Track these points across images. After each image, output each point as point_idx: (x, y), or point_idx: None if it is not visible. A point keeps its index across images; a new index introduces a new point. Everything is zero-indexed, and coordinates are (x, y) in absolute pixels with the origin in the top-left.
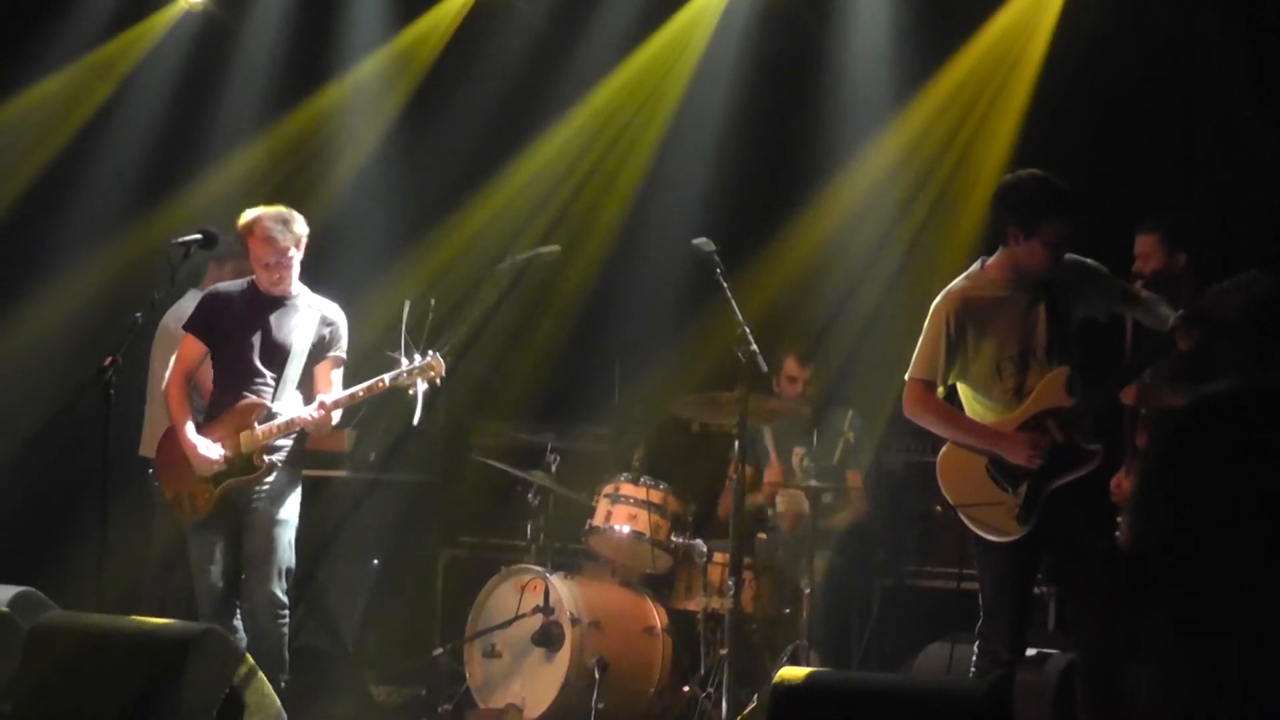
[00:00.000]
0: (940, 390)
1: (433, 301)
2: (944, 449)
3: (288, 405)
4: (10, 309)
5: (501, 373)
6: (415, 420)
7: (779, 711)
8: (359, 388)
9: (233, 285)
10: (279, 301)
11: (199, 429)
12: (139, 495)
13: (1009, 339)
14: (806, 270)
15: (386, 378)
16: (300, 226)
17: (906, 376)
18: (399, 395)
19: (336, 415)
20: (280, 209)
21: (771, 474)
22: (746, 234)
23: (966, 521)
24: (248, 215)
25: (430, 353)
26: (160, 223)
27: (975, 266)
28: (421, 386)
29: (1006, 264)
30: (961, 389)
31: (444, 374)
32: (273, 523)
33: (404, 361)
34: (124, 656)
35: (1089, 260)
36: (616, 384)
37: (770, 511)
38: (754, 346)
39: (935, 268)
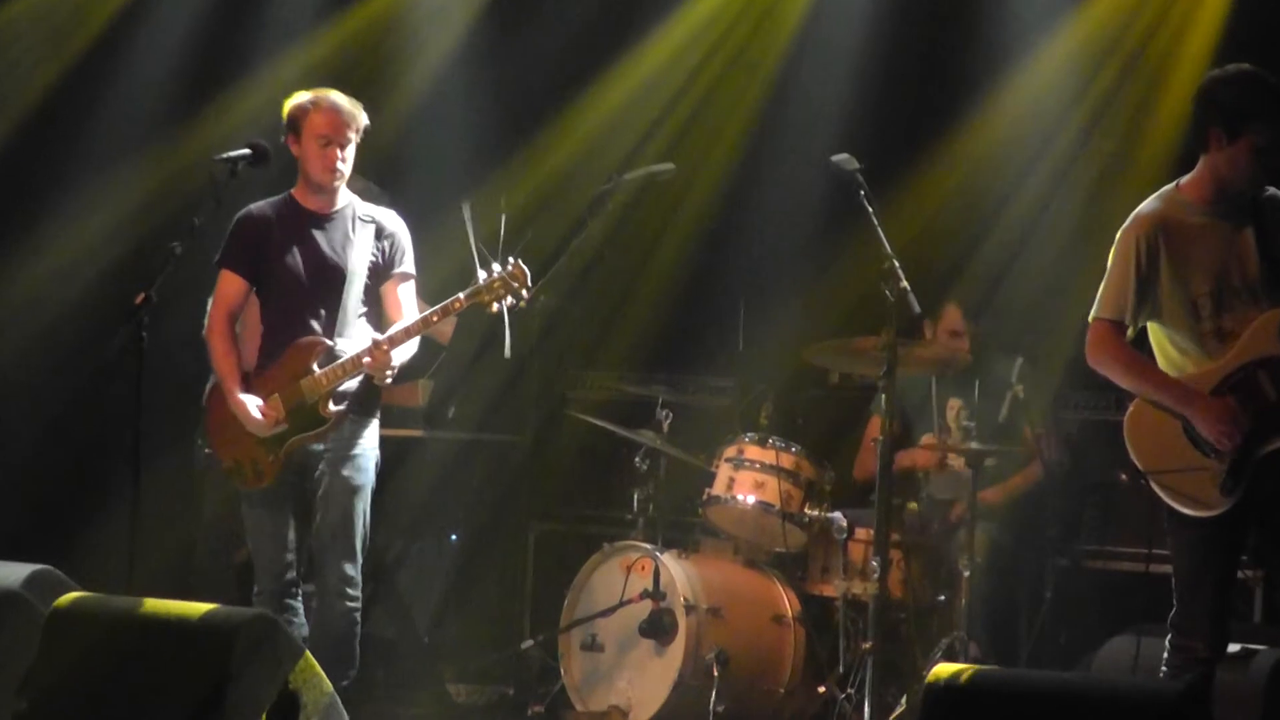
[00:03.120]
0: (1130, 332)
1: (530, 234)
2: (1134, 404)
3: (351, 340)
4: (28, 239)
5: (594, 310)
6: (506, 350)
7: (932, 715)
8: (429, 312)
9: (266, 204)
10: (325, 216)
11: (253, 380)
12: (181, 458)
13: (1209, 271)
14: (963, 194)
15: (462, 295)
16: (362, 113)
17: (1090, 317)
18: (481, 339)
19: (401, 354)
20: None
21: (927, 442)
22: (893, 152)
23: (1158, 491)
24: (306, 92)
25: (510, 260)
26: (201, 136)
27: (1169, 187)
28: (506, 303)
29: (1207, 179)
30: (1153, 330)
31: (530, 285)
32: (347, 489)
33: (480, 275)
34: (158, 647)
35: None
36: (741, 328)
37: (921, 478)
38: (905, 283)
39: (1119, 190)
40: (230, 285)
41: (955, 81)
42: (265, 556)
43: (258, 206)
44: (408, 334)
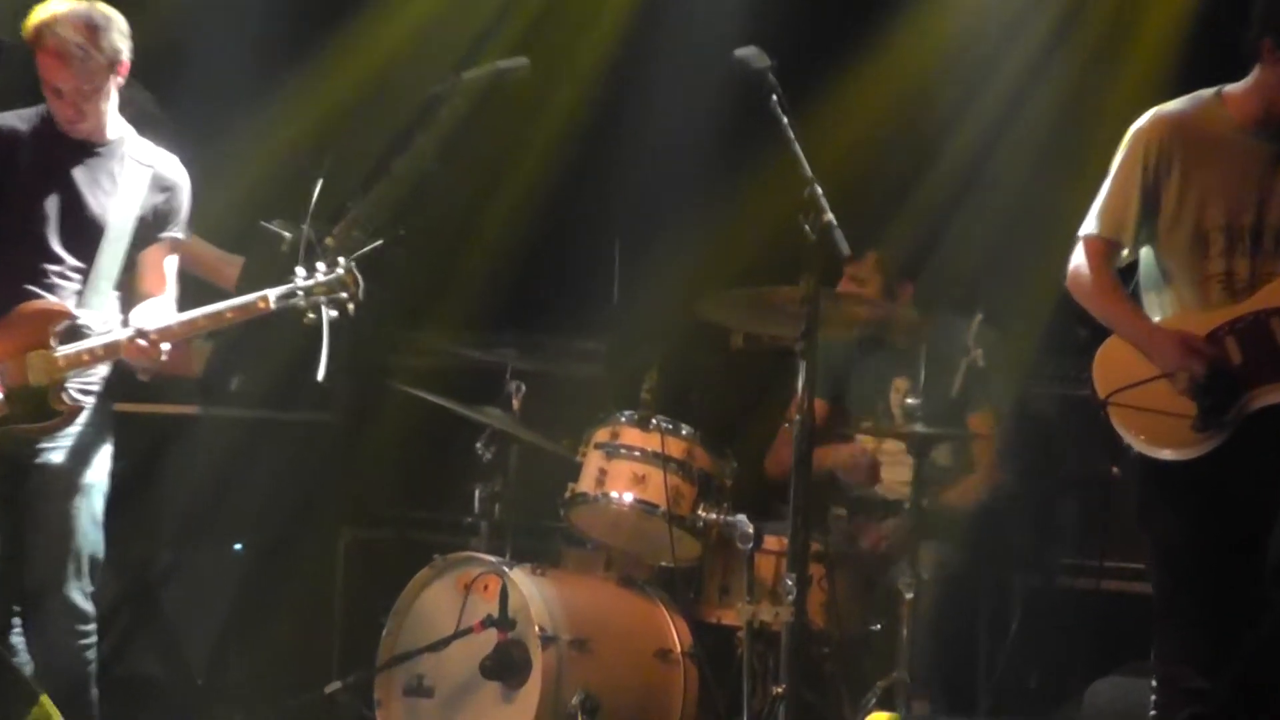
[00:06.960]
0: (1127, 255)
1: (331, 158)
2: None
3: (101, 312)
4: None
5: (425, 253)
6: (320, 372)
7: None
8: (222, 307)
9: (16, 117)
10: (90, 148)
11: None
12: None
13: (1229, 201)
14: (906, 101)
15: (271, 295)
16: (118, 37)
17: (1080, 232)
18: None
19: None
20: (88, 6)
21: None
22: (816, 44)
23: (1120, 427)
24: (39, 14)
25: (340, 261)
26: None
27: (1208, 92)
28: (328, 315)
29: (1254, 96)
30: (1145, 261)
31: (360, 296)
32: (72, 489)
33: (299, 272)
34: None
35: None
36: (616, 274)
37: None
38: (829, 216)
39: (1101, 110)
40: None
41: None
42: None
43: (4, 118)
44: (188, 329)
